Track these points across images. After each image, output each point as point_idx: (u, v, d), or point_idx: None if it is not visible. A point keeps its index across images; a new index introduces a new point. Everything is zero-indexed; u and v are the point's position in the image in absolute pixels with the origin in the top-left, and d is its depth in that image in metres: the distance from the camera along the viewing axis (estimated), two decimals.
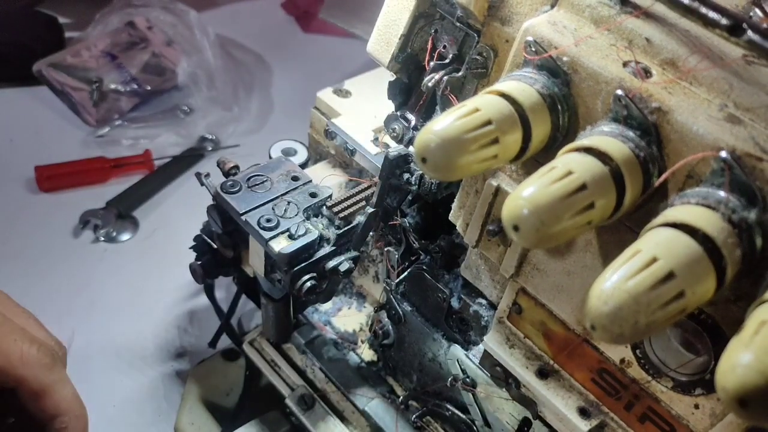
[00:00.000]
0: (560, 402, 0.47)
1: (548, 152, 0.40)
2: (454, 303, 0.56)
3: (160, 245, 0.87)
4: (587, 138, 0.37)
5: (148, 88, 1.03)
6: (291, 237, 0.55)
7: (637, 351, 0.42)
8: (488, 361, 0.52)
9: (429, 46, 0.52)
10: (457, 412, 0.61)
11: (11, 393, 0.46)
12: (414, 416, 0.63)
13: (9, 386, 0.46)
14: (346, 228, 0.57)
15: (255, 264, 0.59)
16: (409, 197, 0.58)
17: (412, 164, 0.55)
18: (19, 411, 0.47)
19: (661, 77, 0.38)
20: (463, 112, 0.36)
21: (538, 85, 0.39)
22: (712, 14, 0.37)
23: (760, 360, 0.27)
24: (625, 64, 0.38)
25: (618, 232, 0.40)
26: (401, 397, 0.65)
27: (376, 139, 0.64)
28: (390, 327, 0.63)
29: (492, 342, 0.51)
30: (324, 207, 0.58)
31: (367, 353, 0.70)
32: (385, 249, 0.61)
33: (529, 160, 0.41)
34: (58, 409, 0.47)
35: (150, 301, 0.81)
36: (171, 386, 0.74)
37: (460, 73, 0.50)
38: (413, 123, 0.55)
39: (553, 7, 0.43)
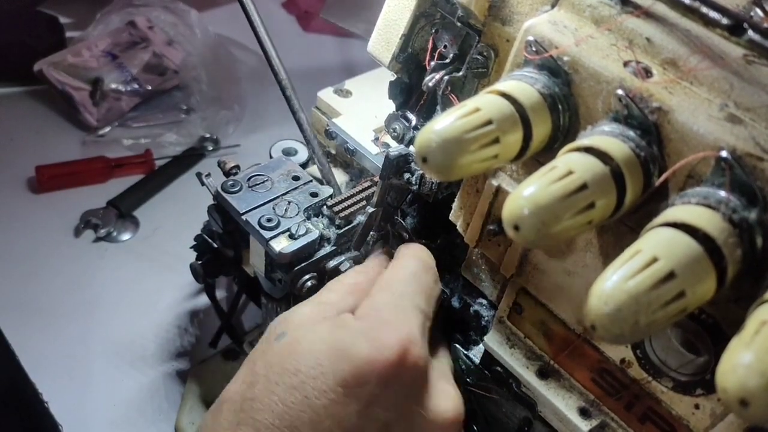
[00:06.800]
0: (560, 402, 0.47)
1: (549, 152, 0.40)
2: (455, 303, 0.56)
3: (161, 245, 0.87)
4: (588, 138, 0.37)
5: (149, 87, 1.03)
6: (291, 237, 0.55)
7: (638, 351, 0.42)
8: (488, 361, 0.52)
9: (430, 45, 0.52)
10: None
11: None
12: None
13: None
14: (346, 228, 0.57)
15: (255, 264, 0.59)
16: (409, 197, 0.58)
17: (412, 164, 0.54)
18: None
19: (661, 77, 0.38)
20: (463, 112, 0.36)
21: (539, 85, 0.39)
22: (712, 14, 0.37)
23: (760, 360, 0.27)
24: (625, 64, 0.38)
25: (618, 232, 0.40)
26: None
27: (377, 138, 0.64)
28: None
29: (492, 342, 0.51)
30: (324, 206, 0.58)
31: None
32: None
33: (530, 160, 0.41)
34: None
35: (150, 301, 0.81)
36: (171, 386, 0.74)
37: (460, 73, 0.50)
38: (414, 123, 0.55)
39: (553, 6, 0.43)
